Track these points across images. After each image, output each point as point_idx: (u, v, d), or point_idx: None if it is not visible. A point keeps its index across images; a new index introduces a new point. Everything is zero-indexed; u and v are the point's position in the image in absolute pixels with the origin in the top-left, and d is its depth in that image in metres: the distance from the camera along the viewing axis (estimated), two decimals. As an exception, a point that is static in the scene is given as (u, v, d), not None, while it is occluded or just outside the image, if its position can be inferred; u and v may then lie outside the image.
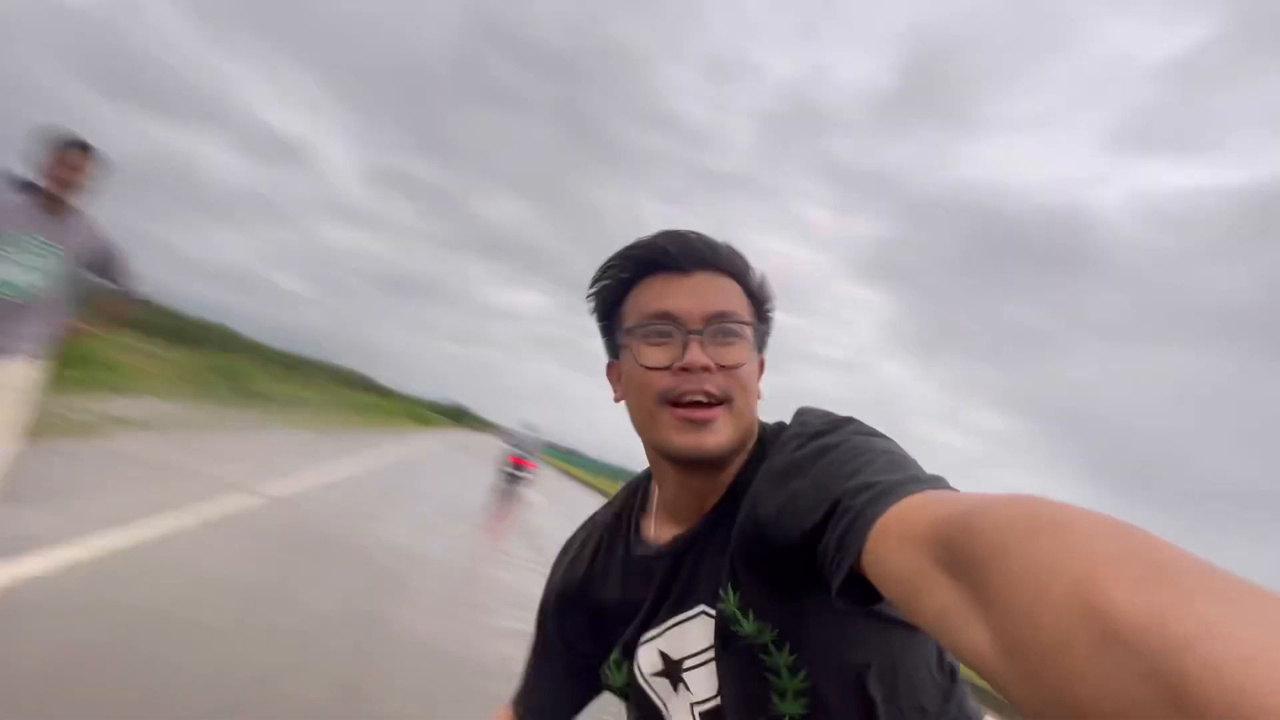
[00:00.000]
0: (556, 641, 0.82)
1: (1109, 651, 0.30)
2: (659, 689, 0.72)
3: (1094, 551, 0.32)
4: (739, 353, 0.67)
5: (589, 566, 0.79)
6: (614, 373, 0.74)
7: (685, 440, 0.66)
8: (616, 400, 0.73)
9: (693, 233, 0.70)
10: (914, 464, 0.53)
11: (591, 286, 0.74)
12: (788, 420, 0.69)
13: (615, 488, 0.89)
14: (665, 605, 0.70)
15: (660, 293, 0.69)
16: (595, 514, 0.85)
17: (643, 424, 0.69)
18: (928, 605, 0.39)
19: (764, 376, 0.73)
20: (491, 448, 16.35)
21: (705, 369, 0.65)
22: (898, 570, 0.42)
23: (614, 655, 0.76)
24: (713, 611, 0.66)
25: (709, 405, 0.65)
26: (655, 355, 0.67)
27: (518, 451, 7.61)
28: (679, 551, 0.70)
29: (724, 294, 0.68)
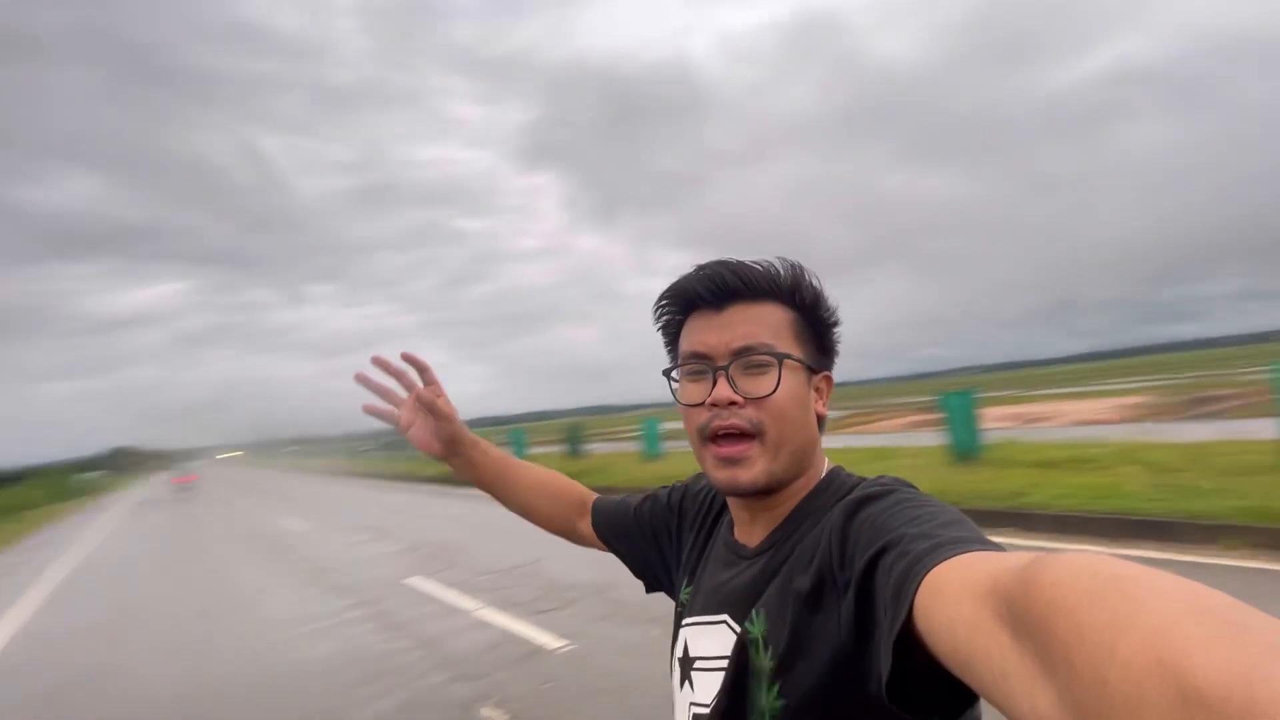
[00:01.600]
0: (655, 510, 0.93)
1: (1188, 712, 0.29)
2: (674, 677, 0.77)
3: (1166, 608, 0.31)
4: (768, 382, 0.68)
5: (714, 520, 0.84)
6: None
7: (721, 477, 0.70)
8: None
9: (728, 265, 0.71)
10: (974, 528, 0.50)
11: (655, 324, 0.79)
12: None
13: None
14: (710, 602, 0.74)
15: (696, 332, 0.72)
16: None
17: (697, 455, 0.73)
18: (986, 665, 0.36)
19: (829, 394, 0.74)
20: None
21: (732, 403, 0.68)
22: (954, 623, 0.39)
23: (689, 587, 0.82)
24: (736, 626, 0.69)
25: (740, 439, 0.68)
26: (691, 393, 0.72)
27: (178, 473, 8.05)
28: (751, 561, 0.72)
29: (754, 324, 0.69)
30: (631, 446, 18.29)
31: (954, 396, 9.13)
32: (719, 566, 0.77)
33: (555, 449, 19.99)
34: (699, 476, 0.89)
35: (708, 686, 0.70)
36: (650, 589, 0.97)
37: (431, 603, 5.94)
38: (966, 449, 8.87)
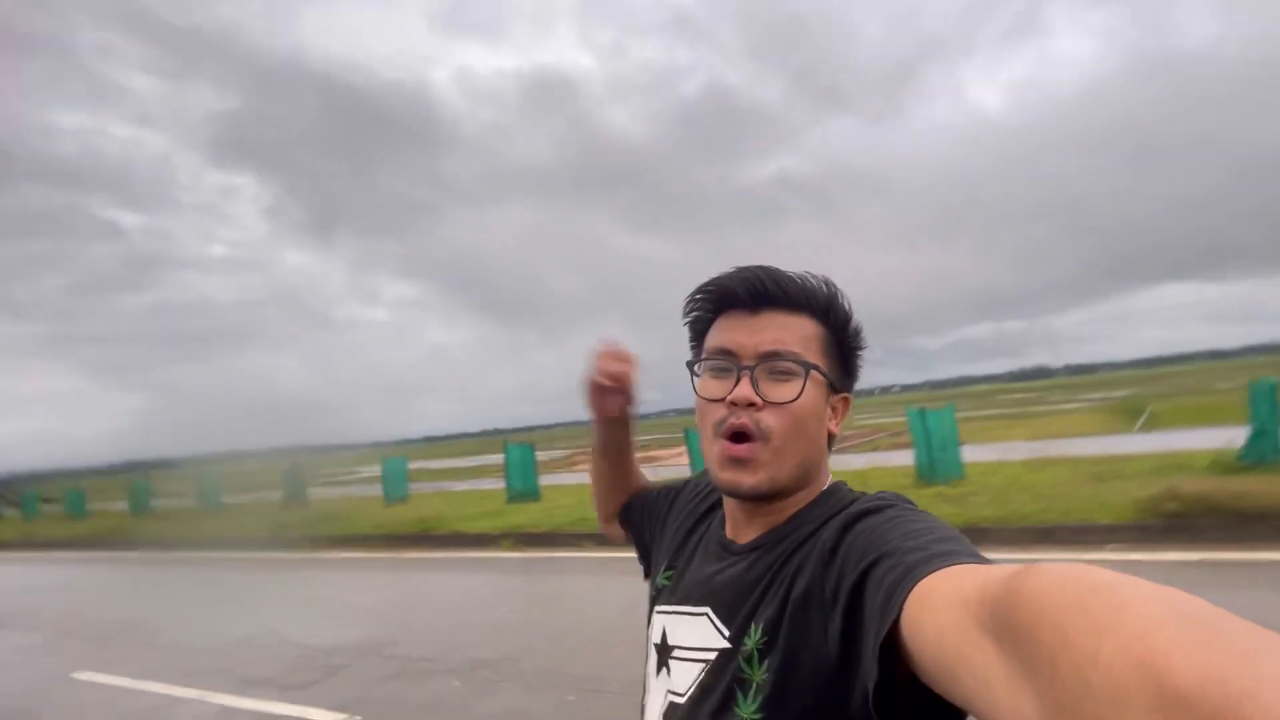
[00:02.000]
0: (655, 504, 0.97)
1: (1167, 710, 0.31)
2: (650, 661, 0.78)
3: (1147, 613, 0.32)
4: (791, 389, 0.69)
5: (704, 513, 0.86)
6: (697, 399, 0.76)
7: (725, 476, 0.70)
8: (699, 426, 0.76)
9: (765, 271, 0.72)
10: (968, 544, 0.52)
11: (684, 317, 0.79)
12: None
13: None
14: (693, 593, 0.75)
15: (727, 330, 0.73)
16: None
17: (704, 450, 0.74)
18: (969, 671, 0.37)
19: (845, 415, 0.77)
20: None
21: (751, 404, 0.68)
22: (941, 631, 0.40)
23: (667, 572, 0.83)
24: (716, 621, 0.70)
25: (749, 441, 0.69)
26: (712, 388, 0.72)
27: None
28: (740, 559, 0.73)
29: (785, 331, 0.70)
30: (365, 490, 16.42)
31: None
32: (706, 559, 0.78)
33: (257, 496, 16.80)
34: (704, 473, 0.89)
35: (684, 676, 0.71)
36: (646, 575, 0.94)
37: (125, 698, 4.55)
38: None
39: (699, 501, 0.88)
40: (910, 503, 0.63)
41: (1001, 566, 0.40)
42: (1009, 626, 0.34)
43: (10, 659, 5.85)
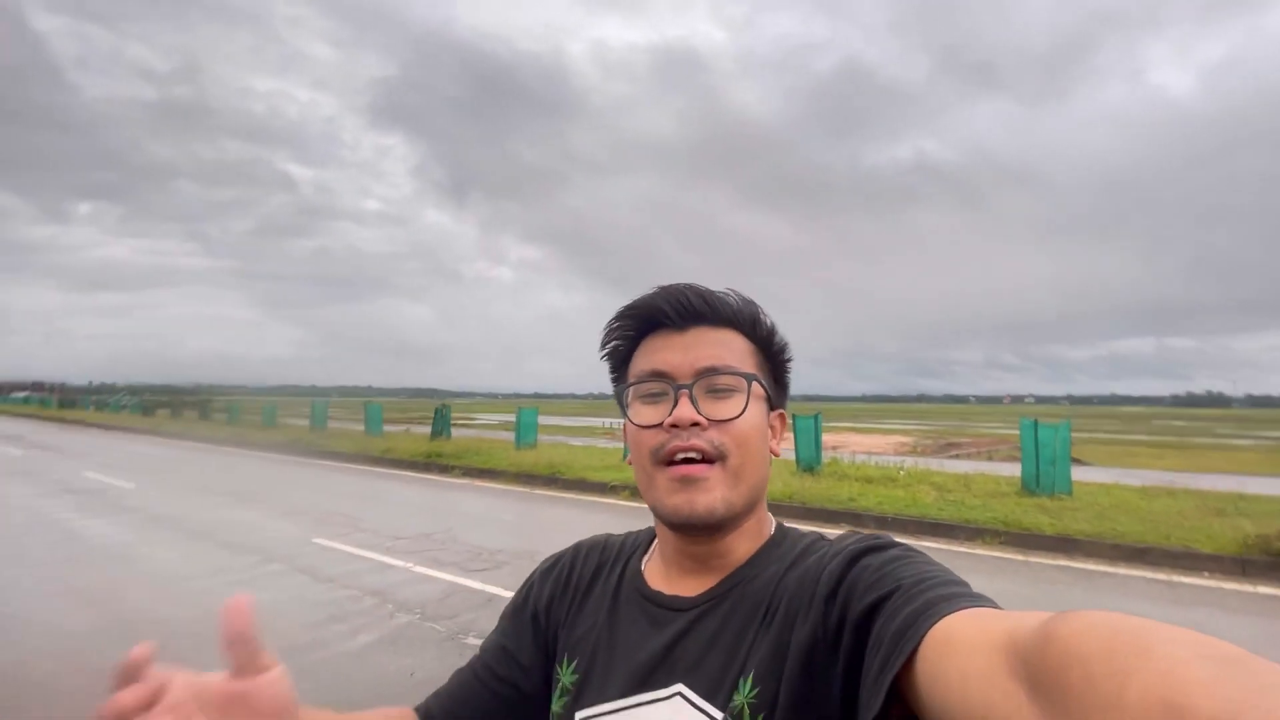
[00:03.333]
0: (501, 646, 0.75)
1: None
2: None
3: (1173, 654, 0.34)
4: (734, 405, 0.64)
5: (587, 585, 0.74)
6: (626, 432, 0.70)
7: (675, 501, 0.63)
8: (629, 462, 0.70)
9: (691, 288, 0.68)
10: (968, 586, 0.50)
11: (602, 347, 0.73)
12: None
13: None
14: (651, 673, 0.63)
15: (655, 351, 0.68)
16: (585, 541, 0.80)
17: (642, 485, 0.67)
18: (995, 718, 0.36)
19: (783, 433, 0.71)
20: None
21: (695, 424, 0.63)
22: (967, 676, 0.39)
23: (571, 664, 0.69)
24: (694, 696, 0.60)
25: (699, 463, 0.63)
26: (647, 413, 0.66)
27: None
28: (695, 614, 0.64)
29: (719, 347, 0.66)
30: (491, 435, 18.53)
31: (804, 419, 11.07)
32: (631, 623, 0.68)
33: (412, 428, 19.48)
34: (552, 560, 0.79)
35: None
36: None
37: (355, 560, 6.20)
38: (810, 463, 10.86)
39: (571, 582, 0.75)
40: (898, 541, 0.58)
41: (1029, 614, 0.39)
42: (1039, 673, 0.35)
43: (265, 524, 7.88)
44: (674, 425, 0.63)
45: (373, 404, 20.04)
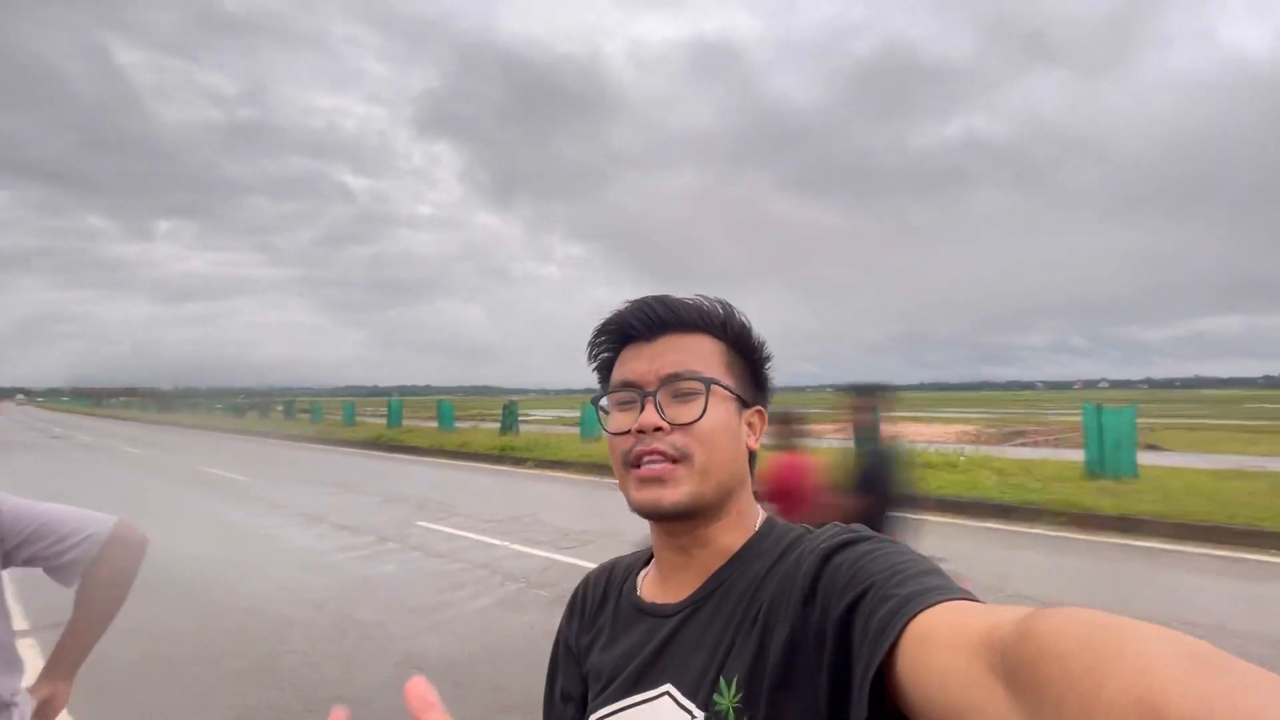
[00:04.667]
0: (557, 699, 0.77)
1: None
2: None
3: (1147, 652, 0.35)
4: (695, 409, 0.67)
5: (595, 611, 0.77)
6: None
7: (643, 496, 0.66)
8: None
9: (658, 299, 0.72)
10: (949, 578, 0.49)
11: (590, 361, 0.77)
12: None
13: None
14: (642, 676, 0.66)
15: (627, 362, 0.71)
16: (591, 573, 0.83)
17: (620, 486, 0.70)
18: (976, 716, 0.38)
19: (762, 429, 0.73)
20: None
21: (658, 429, 0.66)
22: (946, 674, 0.39)
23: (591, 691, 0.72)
24: (680, 695, 0.62)
25: (665, 462, 0.65)
26: (620, 420, 0.69)
27: None
28: (680, 617, 0.66)
29: (684, 353, 0.69)
30: (554, 430, 19.38)
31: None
32: (627, 634, 0.70)
33: (483, 425, 20.54)
34: (569, 600, 0.81)
35: None
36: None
37: (458, 539, 6.99)
38: (867, 450, 11.14)
39: (585, 614, 0.78)
40: (875, 534, 0.58)
41: (1008, 608, 0.39)
42: (1017, 670, 0.36)
43: (370, 509, 8.83)
44: (640, 431, 0.66)
45: (444, 402, 21.24)
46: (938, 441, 15.19)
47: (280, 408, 33.23)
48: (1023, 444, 16.98)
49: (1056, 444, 16.55)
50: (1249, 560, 5.78)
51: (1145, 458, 9.37)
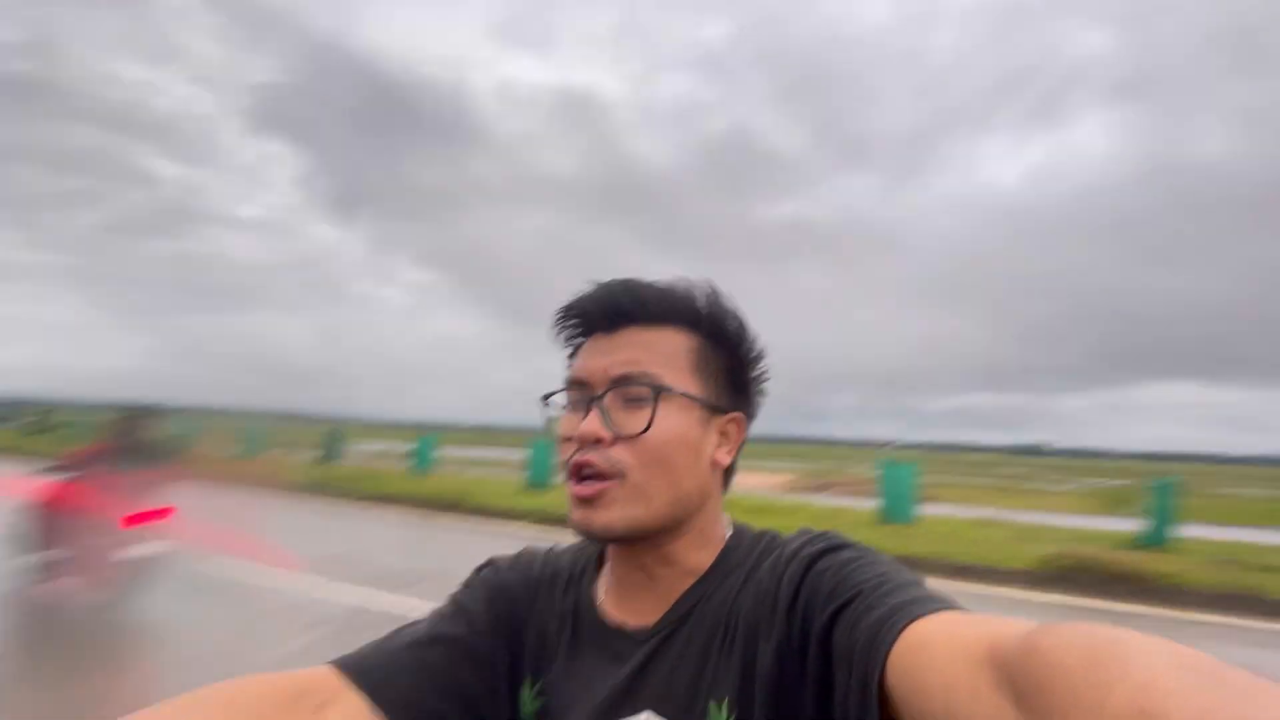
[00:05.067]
0: (465, 621, 0.66)
1: None
2: None
3: (1151, 665, 0.35)
4: (642, 419, 0.58)
5: (545, 592, 0.68)
6: None
7: (574, 517, 0.60)
8: None
9: (624, 283, 0.62)
10: (925, 585, 0.49)
11: (563, 346, 0.68)
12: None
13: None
14: (616, 705, 0.58)
15: (584, 356, 0.63)
16: (531, 548, 0.75)
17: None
18: None
19: (740, 439, 0.65)
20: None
21: (597, 440, 0.59)
22: (949, 688, 0.39)
23: (534, 686, 0.64)
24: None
25: (599, 479, 0.58)
26: (566, 423, 0.62)
27: None
28: (655, 642, 0.60)
29: (642, 350, 0.60)
30: (380, 462, 18.14)
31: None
32: (593, 654, 0.63)
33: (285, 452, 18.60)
34: (519, 555, 0.73)
35: None
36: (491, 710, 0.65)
37: (263, 574, 6.23)
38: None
39: (530, 582, 0.70)
40: (847, 539, 0.57)
41: (1004, 621, 0.40)
42: (1023, 685, 0.36)
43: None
44: (580, 440, 0.59)
45: (251, 427, 18.98)
46: (761, 489, 16.50)
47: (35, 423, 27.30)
48: (831, 493, 18.96)
49: (857, 494, 18.76)
50: (993, 594, 6.98)
51: (924, 509, 10.97)
